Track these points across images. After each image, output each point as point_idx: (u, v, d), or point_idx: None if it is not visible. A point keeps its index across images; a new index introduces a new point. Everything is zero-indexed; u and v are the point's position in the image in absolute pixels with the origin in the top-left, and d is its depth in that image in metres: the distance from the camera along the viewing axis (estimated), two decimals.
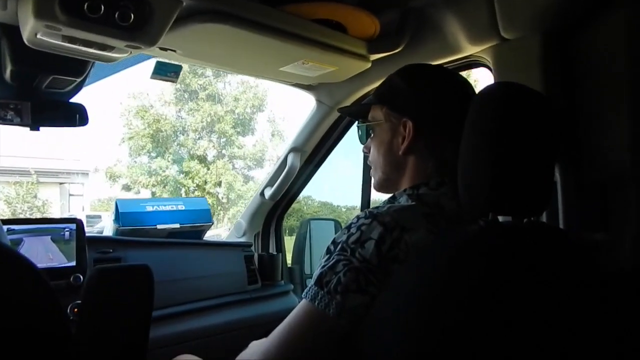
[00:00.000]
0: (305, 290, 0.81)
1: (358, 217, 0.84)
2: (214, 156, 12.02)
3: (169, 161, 11.56)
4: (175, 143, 11.85)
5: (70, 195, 14.27)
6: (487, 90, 0.80)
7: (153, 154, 11.59)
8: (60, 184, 14.32)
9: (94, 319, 0.58)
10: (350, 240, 0.80)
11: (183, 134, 11.89)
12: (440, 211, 0.86)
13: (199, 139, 11.75)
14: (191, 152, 11.84)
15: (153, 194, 11.10)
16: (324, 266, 0.80)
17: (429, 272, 0.73)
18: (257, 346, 0.89)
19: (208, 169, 11.61)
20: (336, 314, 0.75)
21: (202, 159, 11.87)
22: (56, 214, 11.39)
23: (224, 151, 11.91)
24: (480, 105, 0.79)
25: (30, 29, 0.94)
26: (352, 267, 0.77)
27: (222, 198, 10.18)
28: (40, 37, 0.97)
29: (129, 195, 12.31)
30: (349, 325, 0.76)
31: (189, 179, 11.39)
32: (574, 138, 1.07)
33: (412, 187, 0.93)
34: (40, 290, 0.51)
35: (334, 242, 0.83)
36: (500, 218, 0.78)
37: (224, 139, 12.00)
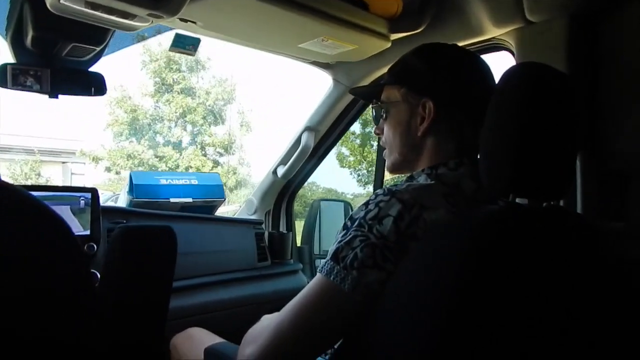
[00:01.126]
0: (321, 265, 0.81)
1: (376, 194, 0.83)
2: (187, 143, 13.71)
3: (145, 146, 13.02)
4: (152, 130, 13.44)
5: (72, 173, 14.99)
6: (513, 70, 0.79)
7: (132, 140, 13.10)
8: (63, 162, 15.05)
9: (117, 277, 0.59)
10: (368, 216, 0.79)
11: (160, 123, 13.47)
12: (459, 191, 0.86)
13: (174, 127, 13.47)
14: (166, 139, 13.49)
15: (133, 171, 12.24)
16: (340, 241, 0.80)
17: (447, 250, 0.72)
18: (269, 319, 0.90)
19: (180, 154, 13.08)
20: (351, 289, 0.75)
21: (176, 145, 13.41)
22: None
23: (196, 139, 13.56)
24: (505, 86, 0.78)
25: None
26: (369, 242, 0.77)
27: None
28: (64, 3, 0.96)
29: (110, 175, 13.51)
30: (363, 300, 0.76)
31: (163, 162, 12.97)
32: (596, 125, 1.06)
33: (430, 167, 0.92)
34: (74, 253, 0.52)
35: (351, 218, 0.83)
36: (518, 201, 0.77)
37: (196, 128, 13.65)
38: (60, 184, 14.01)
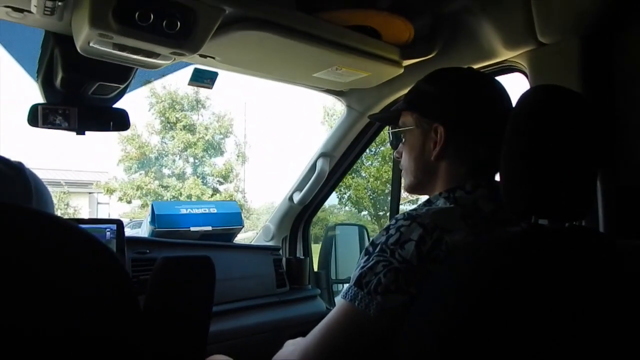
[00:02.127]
0: (344, 291, 0.81)
1: (396, 219, 0.84)
2: (190, 173, 15.29)
3: (151, 177, 14.64)
4: (158, 163, 15.17)
5: (98, 203, 16.12)
6: (529, 93, 0.81)
7: (141, 172, 14.77)
8: (89, 193, 16.14)
9: (159, 305, 0.61)
10: (390, 241, 0.80)
11: (165, 157, 15.28)
12: (478, 213, 0.87)
13: (178, 160, 15.26)
14: (170, 171, 15.28)
15: (144, 201, 14.35)
16: (363, 267, 0.80)
17: (469, 273, 0.73)
18: (294, 345, 0.90)
19: (183, 184, 14.65)
20: (377, 314, 0.76)
21: (180, 176, 15.09)
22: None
23: (197, 170, 15.27)
24: (521, 108, 0.79)
25: (84, 37, 0.98)
26: (392, 267, 0.78)
27: None
28: (93, 45, 1.01)
29: (122, 204, 14.96)
30: (388, 325, 0.76)
31: (167, 192, 14.54)
32: (614, 142, 1.07)
33: (447, 191, 0.93)
34: (122, 278, 0.54)
35: (372, 244, 0.83)
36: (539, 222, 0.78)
37: (197, 160, 15.40)
38: (87, 213, 14.66)
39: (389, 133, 1.10)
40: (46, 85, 1.27)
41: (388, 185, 12.29)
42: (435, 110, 0.96)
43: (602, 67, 1.11)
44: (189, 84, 1.51)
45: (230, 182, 15.71)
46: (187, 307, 0.64)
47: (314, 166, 2.08)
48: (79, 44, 1.03)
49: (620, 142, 1.05)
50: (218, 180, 15.52)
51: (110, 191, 14.84)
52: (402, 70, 1.50)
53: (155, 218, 1.79)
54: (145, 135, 14.99)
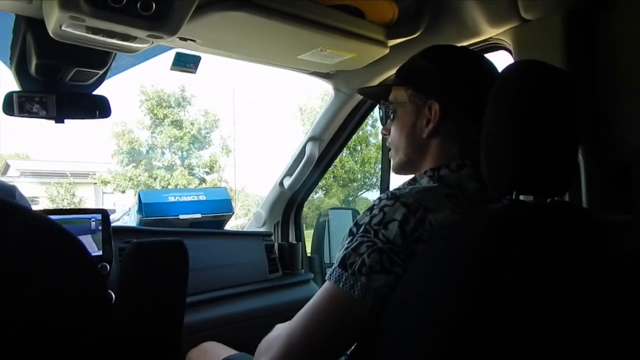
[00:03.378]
0: (329, 273, 0.81)
1: (380, 199, 0.83)
2: (179, 165, 16.56)
3: (141, 170, 15.88)
4: (148, 157, 16.41)
5: (103, 193, 17.16)
6: (510, 68, 0.79)
7: (133, 165, 16.02)
8: (94, 183, 17.12)
9: (132, 291, 0.60)
10: (373, 221, 0.80)
11: (154, 150, 16.54)
12: (462, 192, 0.86)
13: (167, 153, 16.57)
14: (160, 163, 16.47)
15: (132, 193, 15.51)
16: (347, 248, 0.80)
17: (452, 252, 0.72)
18: (281, 329, 0.90)
19: (171, 175, 15.90)
20: (361, 295, 0.76)
21: (168, 168, 16.30)
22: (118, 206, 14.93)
23: (185, 161, 16.60)
24: (503, 83, 0.78)
25: (56, 20, 0.95)
26: (376, 248, 0.77)
27: None
28: (65, 29, 0.98)
29: (116, 195, 16.09)
30: (373, 305, 0.76)
31: (156, 182, 15.70)
32: (597, 118, 1.06)
33: (432, 169, 0.92)
34: (81, 257, 0.53)
35: (356, 224, 0.83)
36: (522, 199, 0.77)
37: (184, 153, 16.69)
38: (93, 202, 15.34)
39: (379, 109, 1.07)
40: (21, 72, 1.24)
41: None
42: (431, 87, 0.94)
43: (586, 43, 1.10)
44: (171, 69, 1.48)
45: (215, 172, 16.89)
46: (160, 292, 0.63)
47: (303, 150, 2.06)
48: (50, 28, 1.00)
49: (604, 119, 1.04)
50: (205, 171, 16.77)
51: (104, 182, 16.08)
52: (387, 51, 1.48)
53: (142, 207, 1.77)
54: (136, 131, 16.21)
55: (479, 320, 0.66)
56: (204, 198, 1.97)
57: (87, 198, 16.28)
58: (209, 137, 16.91)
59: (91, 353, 0.56)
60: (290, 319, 0.85)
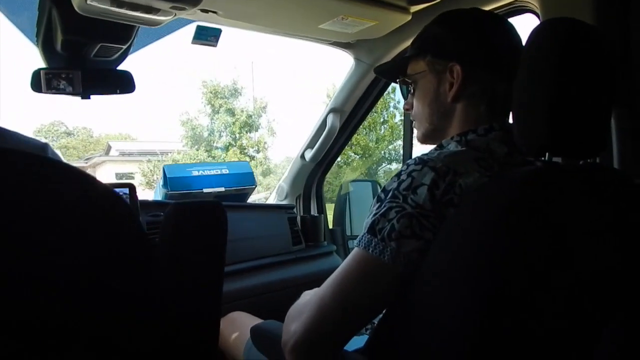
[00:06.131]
0: (358, 239, 0.81)
1: (407, 164, 0.82)
2: (232, 146, 19.40)
3: (202, 151, 19.16)
4: (208, 139, 19.77)
5: None
6: (541, 27, 0.77)
7: (197, 147, 19.44)
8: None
9: (172, 251, 0.61)
10: (402, 187, 0.79)
11: (212, 135, 19.90)
12: (491, 155, 0.85)
13: (224, 136, 19.67)
14: (216, 145, 19.71)
15: None
16: (375, 214, 0.80)
17: (484, 216, 0.72)
18: (310, 295, 0.91)
19: (226, 154, 18.78)
20: (391, 260, 0.75)
21: (224, 148, 19.22)
22: None
23: (236, 143, 19.32)
24: (534, 43, 0.76)
25: None
26: (405, 212, 0.76)
27: None
28: (90, 3, 0.99)
29: None
30: (403, 270, 0.76)
31: (214, 160, 18.25)
32: (630, 80, 1.03)
33: (459, 134, 0.91)
34: (132, 223, 0.55)
35: (384, 190, 0.82)
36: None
37: (236, 136, 19.42)
38: None
39: (399, 83, 1.06)
40: (47, 49, 1.25)
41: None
42: (449, 49, 0.92)
43: (616, 3, 1.06)
44: (192, 43, 1.48)
45: (262, 151, 19.92)
46: (199, 254, 0.64)
47: (324, 122, 2.06)
48: (76, 2, 1.01)
49: (636, 76, 1.01)
50: (255, 150, 19.70)
51: (175, 161, 18.76)
52: (410, 17, 1.46)
53: (167, 181, 1.80)
54: (199, 118, 19.94)
55: (513, 282, 0.66)
56: (227, 172, 1.99)
57: None
58: (257, 121, 19.77)
59: (133, 314, 0.57)
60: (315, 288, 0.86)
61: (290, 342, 0.81)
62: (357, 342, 0.91)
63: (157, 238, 0.58)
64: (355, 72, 1.88)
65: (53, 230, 0.51)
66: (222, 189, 1.94)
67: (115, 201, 0.55)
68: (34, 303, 0.51)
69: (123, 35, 1.24)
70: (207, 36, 1.49)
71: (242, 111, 19.57)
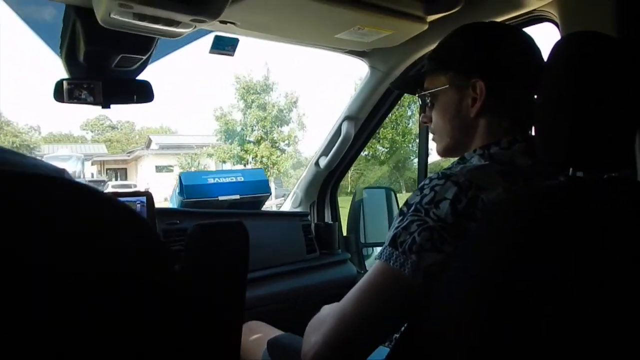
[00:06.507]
0: (379, 251, 0.81)
1: (430, 179, 0.82)
2: (264, 140, 20.00)
3: (235, 145, 20.01)
4: (241, 134, 20.36)
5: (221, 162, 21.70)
6: (563, 40, 0.77)
7: (230, 141, 20.27)
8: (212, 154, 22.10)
9: (195, 271, 0.62)
10: (424, 201, 0.79)
11: (245, 129, 20.30)
12: (515, 169, 0.84)
13: (255, 130, 19.96)
14: (248, 139, 20.14)
15: (232, 161, 19.84)
16: (397, 227, 0.80)
17: (508, 229, 0.71)
18: (331, 308, 0.91)
19: (258, 148, 19.56)
20: (412, 273, 0.76)
21: (256, 142, 19.86)
22: None
23: (268, 136, 19.84)
24: (556, 58, 0.76)
25: (105, 8, 0.98)
26: (427, 226, 0.77)
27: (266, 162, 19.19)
28: (114, 16, 1.01)
29: (214, 164, 20.85)
30: (424, 283, 0.76)
31: (247, 154, 19.69)
32: None
33: (482, 148, 0.90)
34: (156, 245, 0.55)
35: (406, 204, 0.82)
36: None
37: (267, 129, 19.97)
38: (213, 168, 19.69)
39: (419, 97, 1.04)
40: (70, 60, 1.28)
41: None
42: (472, 65, 0.92)
43: (638, 9, 1.05)
44: (210, 52, 1.50)
45: (293, 144, 21.05)
46: (222, 273, 0.65)
47: (339, 130, 2.06)
48: (99, 16, 1.03)
49: None
50: (285, 144, 20.54)
51: (209, 155, 20.90)
52: (426, 27, 1.45)
53: (183, 189, 1.81)
54: (233, 113, 20.78)
55: (533, 300, 0.65)
56: (242, 179, 2.00)
57: (209, 166, 21.34)
58: (288, 116, 20.62)
59: (154, 334, 0.58)
60: (329, 298, 0.86)
61: (310, 353, 0.81)
62: (379, 355, 0.90)
63: (175, 247, 0.59)
64: (370, 80, 1.89)
65: (73, 252, 0.52)
66: (237, 197, 1.95)
67: (132, 219, 0.56)
68: (49, 326, 0.52)
69: (143, 47, 1.26)
70: (224, 46, 1.50)
71: (274, 106, 20.19)
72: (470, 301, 0.70)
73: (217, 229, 0.66)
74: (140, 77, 1.43)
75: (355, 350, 0.81)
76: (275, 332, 1.32)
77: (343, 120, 2.03)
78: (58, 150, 27.96)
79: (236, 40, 1.50)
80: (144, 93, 1.39)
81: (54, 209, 0.52)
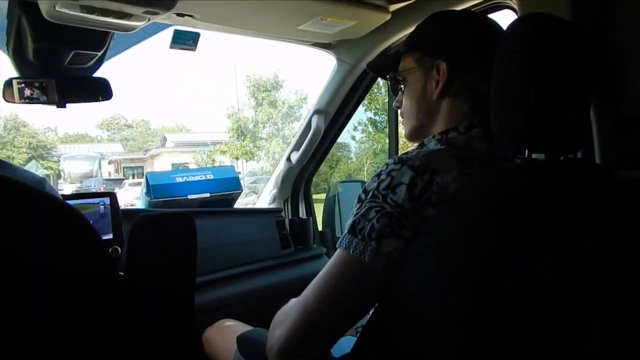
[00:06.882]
0: (339, 240, 0.80)
1: (387, 164, 0.82)
2: (275, 136, 21.15)
3: (248, 141, 20.52)
4: (253, 131, 21.03)
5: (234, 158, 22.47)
6: (516, 22, 0.77)
7: (242, 138, 20.74)
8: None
9: (140, 265, 0.60)
10: (381, 186, 0.79)
11: (256, 126, 21.13)
12: (471, 153, 0.85)
13: (266, 127, 20.98)
14: (260, 136, 21.01)
15: (245, 158, 20.69)
16: (356, 214, 0.79)
17: (468, 213, 0.71)
18: (295, 300, 0.90)
19: (269, 144, 20.42)
20: (372, 260, 0.75)
21: (268, 139, 20.88)
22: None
23: (280, 133, 20.98)
24: (510, 38, 0.76)
25: (49, 1, 0.94)
26: (385, 212, 0.76)
27: (278, 157, 19.91)
28: (59, 10, 0.97)
29: (229, 161, 21.41)
30: (384, 270, 0.75)
31: (259, 150, 20.78)
32: (608, 72, 1.02)
33: (440, 133, 0.91)
34: (90, 235, 0.53)
35: (364, 191, 0.82)
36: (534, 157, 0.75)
37: (279, 126, 21.33)
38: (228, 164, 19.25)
39: (387, 79, 1.06)
40: (18, 57, 1.22)
41: None
42: (436, 47, 0.94)
43: None
44: (170, 47, 1.46)
45: None
46: (169, 265, 0.62)
47: (309, 124, 2.04)
48: (44, 9, 0.99)
49: (616, 72, 1.01)
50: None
51: (222, 152, 21.44)
52: (389, 17, 1.45)
53: (150, 189, 1.77)
54: (244, 111, 21.82)
55: (496, 279, 0.65)
56: (212, 177, 1.96)
57: (224, 163, 21.46)
58: (298, 112, 21.24)
59: (104, 335, 0.56)
60: None
61: (275, 347, 0.80)
62: (346, 344, 0.89)
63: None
64: (338, 72, 1.87)
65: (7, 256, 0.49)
66: (207, 195, 1.92)
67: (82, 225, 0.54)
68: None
69: (96, 42, 1.22)
70: (185, 40, 1.47)
71: (284, 103, 20.94)
72: (437, 288, 0.69)
73: (163, 219, 0.64)
74: (98, 73, 1.38)
75: (319, 341, 0.80)
76: (247, 329, 1.30)
77: (312, 115, 2.02)
78: (75, 150, 28.63)
79: (197, 35, 1.47)
80: (101, 91, 1.35)
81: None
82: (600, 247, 0.69)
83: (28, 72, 1.27)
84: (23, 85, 1.22)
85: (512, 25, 0.76)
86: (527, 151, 0.73)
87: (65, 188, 23.42)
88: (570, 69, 0.73)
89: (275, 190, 2.28)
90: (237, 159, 20.89)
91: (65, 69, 1.29)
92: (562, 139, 0.74)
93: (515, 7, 1.24)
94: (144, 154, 28.74)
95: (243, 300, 1.77)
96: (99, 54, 1.27)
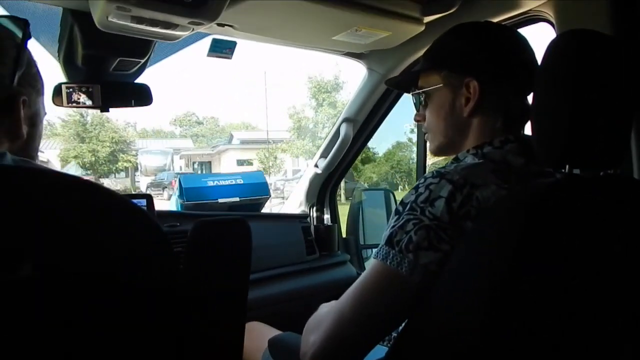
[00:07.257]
0: (376, 251, 0.81)
1: (425, 178, 0.83)
2: None
3: (307, 141, 21.64)
4: (313, 130, 22.28)
5: (295, 157, 23.76)
6: (558, 39, 0.77)
7: (302, 137, 22.19)
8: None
9: (197, 268, 0.62)
10: (420, 199, 0.79)
11: (316, 126, 22.33)
12: (508, 167, 0.85)
13: (326, 127, 21.12)
14: (320, 136, 21.40)
15: (304, 156, 21.41)
16: (393, 226, 0.80)
17: (506, 227, 0.71)
18: (328, 307, 0.91)
19: None
20: (409, 272, 0.76)
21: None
22: (289, 168, 23.54)
23: None
24: (551, 56, 0.76)
25: (102, 12, 0.98)
26: (423, 225, 0.77)
27: None
28: (111, 20, 1.01)
29: (290, 158, 23.19)
30: (421, 282, 0.76)
31: (318, 150, 20.06)
32: None
33: (475, 147, 0.91)
34: (164, 249, 0.56)
35: (402, 203, 0.82)
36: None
37: None
38: (290, 162, 23.11)
39: (412, 96, 1.05)
40: (68, 64, 1.28)
41: None
42: (466, 65, 0.92)
43: (634, 9, 1.05)
44: (208, 55, 1.50)
45: None
46: (225, 270, 0.65)
47: (337, 132, 2.06)
48: (97, 19, 1.03)
49: None
50: None
51: (283, 150, 23.11)
52: (423, 28, 1.46)
53: (183, 191, 1.81)
54: (305, 111, 22.86)
55: (532, 294, 0.66)
56: (242, 182, 2.00)
57: (285, 160, 23.72)
58: None
59: (155, 324, 0.58)
60: (329, 299, 0.86)
61: (309, 352, 0.82)
62: (377, 353, 0.90)
63: (176, 249, 0.59)
64: (368, 82, 1.89)
65: (76, 244, 0.52)
66: (237, 199, 1.96)
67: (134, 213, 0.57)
68: (50, 326, 0.52)
69: (141, 50, 1.27)
70: (222, 49, 1.51)
71: (344, 104, 21.57)
72: (472, 300, 0.70)
73: (219, 225, 0.66)
74: (139, 80, 1.43)
75: (353, 349, 0.81)
76: (275, 333, 1.32)
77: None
78: (150, 145, 30.33)
79: (234, 43, 1.51)
80: (142, 96, 1.40)
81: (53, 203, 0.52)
82: (636, 265, 0.70)
83: (75, 77, 1.32)
84: (71, 90, 1.28)
85: (554, 42, 0.77)
86: (567, 166, 0.74)
87: (142, 180, 25.28)
88: (613, 85, 0.73)
89: (301, 196, 2.30)
90: (296, 157, 22.06)
91: (110, 74, 1.34)
92: (603, 155, 0.74)
93: (552, 20, 1.24)
94: (212, 150, 29.98)
95: (269, 303, 1.79)
96: (142, 61, 1.32)
